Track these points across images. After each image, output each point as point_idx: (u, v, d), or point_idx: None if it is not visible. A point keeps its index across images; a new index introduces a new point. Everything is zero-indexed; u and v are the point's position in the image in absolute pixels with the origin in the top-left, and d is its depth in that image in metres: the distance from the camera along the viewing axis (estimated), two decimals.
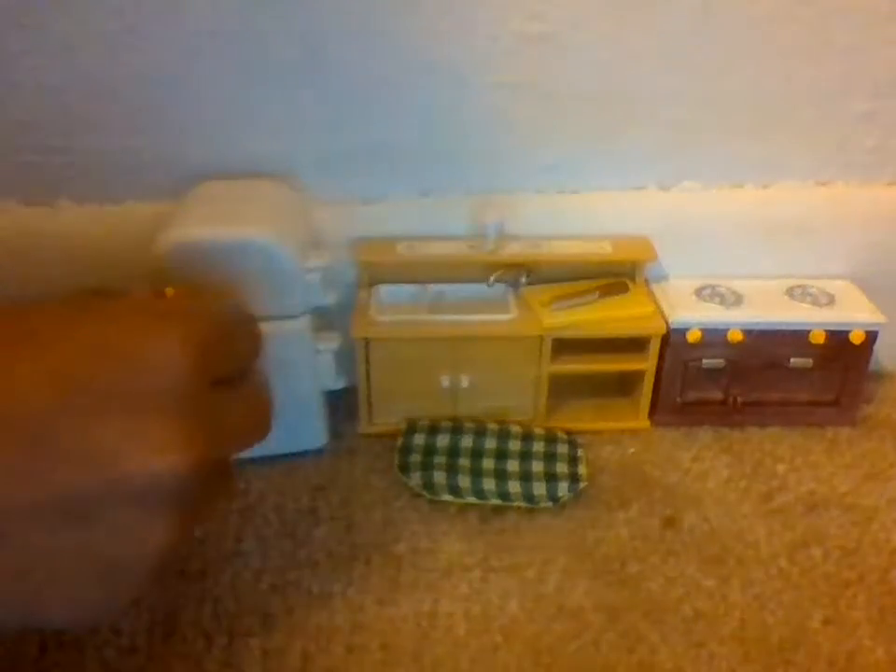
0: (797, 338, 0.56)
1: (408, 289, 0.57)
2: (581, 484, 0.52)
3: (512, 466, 0.53)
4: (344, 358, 0.54)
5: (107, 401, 0.31)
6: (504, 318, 0.55)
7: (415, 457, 0.53)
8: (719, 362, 0.57)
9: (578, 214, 0.58)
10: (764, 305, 0.57)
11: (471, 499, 0.51)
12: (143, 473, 0.31)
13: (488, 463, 0.53)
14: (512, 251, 0.57)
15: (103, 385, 0.31)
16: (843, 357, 0.57)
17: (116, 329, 0.34)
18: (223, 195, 0.53)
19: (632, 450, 0.57)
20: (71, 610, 0.32)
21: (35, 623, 0.33)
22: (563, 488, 0.51)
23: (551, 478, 0.52)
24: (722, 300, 0.57)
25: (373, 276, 0.57)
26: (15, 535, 0.30)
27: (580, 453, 0.55)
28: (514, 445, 0.55)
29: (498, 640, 0.43)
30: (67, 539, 0.31)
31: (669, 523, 0.51)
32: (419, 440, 0.55)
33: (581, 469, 0.53)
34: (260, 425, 0.38)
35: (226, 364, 0.36)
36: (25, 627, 0.35)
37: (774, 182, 0.59)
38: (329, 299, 0.52)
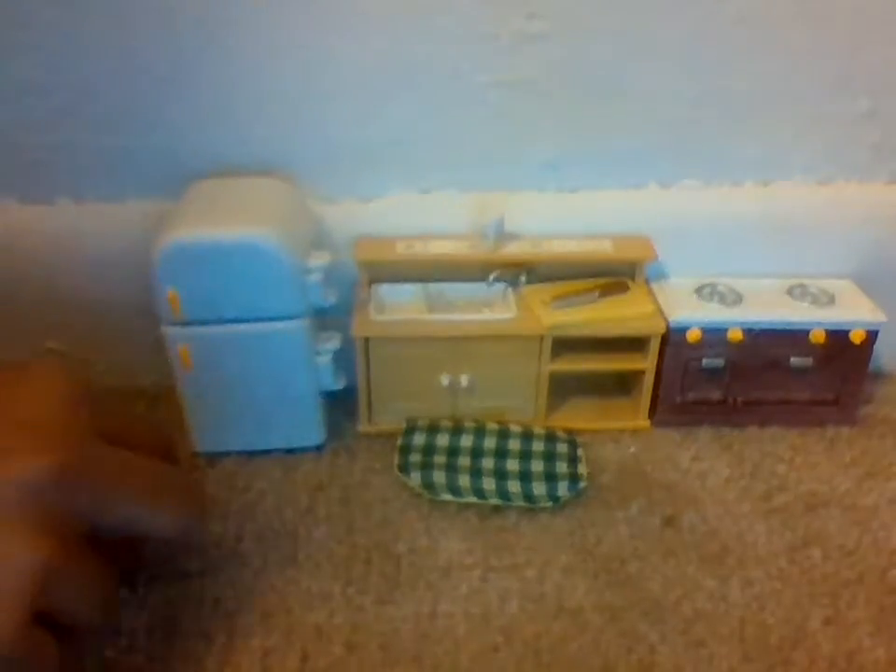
0: (797, 337, 0.56)
1: (408, 288, 0.57)
2: (581, 484, 0.52)
3: (512, 465, 0.53)
4: (344, 358, 0.54)
5: None
6: (504, 317, 0.55)
7: (415, 457, 0.53)
8: (719, 362, 0.57)
9: (578, 213, 0.58)
10: (764, 304, 0.56)
11: (471, 499, 0.51)
12: (7, 472, 0.32)
13: (488, 462, 0.53)
14: (512, 250, 0.57)
15: None
16: (843, 356, 0.57)
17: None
18: (223, 194, 0.53)
19: (632, 449, 0.57)
20: None
21: None
22: (563, 488, 0.51)
23: (550, 477, 0.52)
24: (722, 299, 0.57)
25: (373, 275, 0.57)
26: None
27: (579, 452, 0.55)
28: (514, 445, 0.55)
29: (498, 640, 0.43)
30: None
31: (669, 522, 0.51)
32: (419, 439, 0.55)
33: (581, 469, 0.53)
34: (159, 500, 0.38)
35: (112, 420, 0.38)
36: None
37: (774, 181, 0.58)
38: (329, 298, 0.52)
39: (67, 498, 0.33)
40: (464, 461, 0.53)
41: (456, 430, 0.55)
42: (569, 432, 0.57)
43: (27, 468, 0.32)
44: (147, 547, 0.46)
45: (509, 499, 0.51)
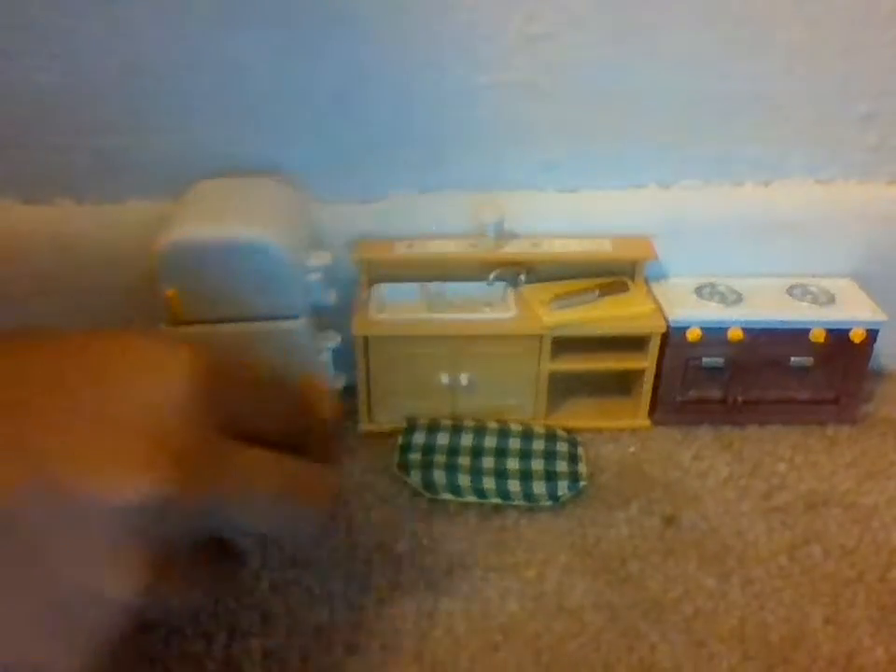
0: (797, 336, 0.56)
1: (408, 288, 0.57)
2: (581, 483, 0.52)
3: (512, 464, 0.53)
4: (344, 357, 0.54)
5: (87, 405, 0.28)
6: (504, 317, 0.55)
7: (415, 456, 0.53)
8: (719, 361, 0.57)
9: (578, 212, 0.58)
10: (765, 304, 0.56)
11: (471, 498, 0.51)
12: (93, 487, 0.26)
13: (488, 462, 0.53)
14: (512, 249, 0.57)
15: (86, 388, 0.28)
16: (843, 355, 0.57)
17: (119, 341, 0.31)
18: (223, 194, 0.53)
19: (632, 449, 0.57)
20: (15, 663, 0.27)
21: None
22: (563, 487, 0.51)
23: (550, 476, 0.52)
24: (722, 298, 0.57)
25: (373, 275, 0.57)
26: None
27: (579, 451, 0.55)
28: (514, 444, 0.55)
29: (498, 640, 0.43)
30: (9, 554, 0.26)
31: (669, 521, 0.51)
32: (419, 438, 0.55)
33: (581, 468, 0.53)
34: (284, 504, 0.32)
35: (237, 413, 0.32)
36: None
37: (774, 180, 0.58)
38: (329, 298, 0.52)
39: (174, 521, 0.28)
40: (464, 460, 0.53)
41: (456, 429, 0.56)
42: (569, 431, 0.57)
43: (130, 489, 0.26)
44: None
45: (509, 499, 0.51)
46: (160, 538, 0.28)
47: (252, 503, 0.31)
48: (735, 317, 0.55)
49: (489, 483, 0.51)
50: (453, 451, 0.54)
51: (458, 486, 0.51)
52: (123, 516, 0.26)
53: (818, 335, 0.55)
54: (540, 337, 0.55)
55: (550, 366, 0.56)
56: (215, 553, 0.33)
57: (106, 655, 0.28)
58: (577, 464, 0.54)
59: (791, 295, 0.58)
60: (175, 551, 0.29)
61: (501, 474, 0.52)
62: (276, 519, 0.33)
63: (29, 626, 0.27)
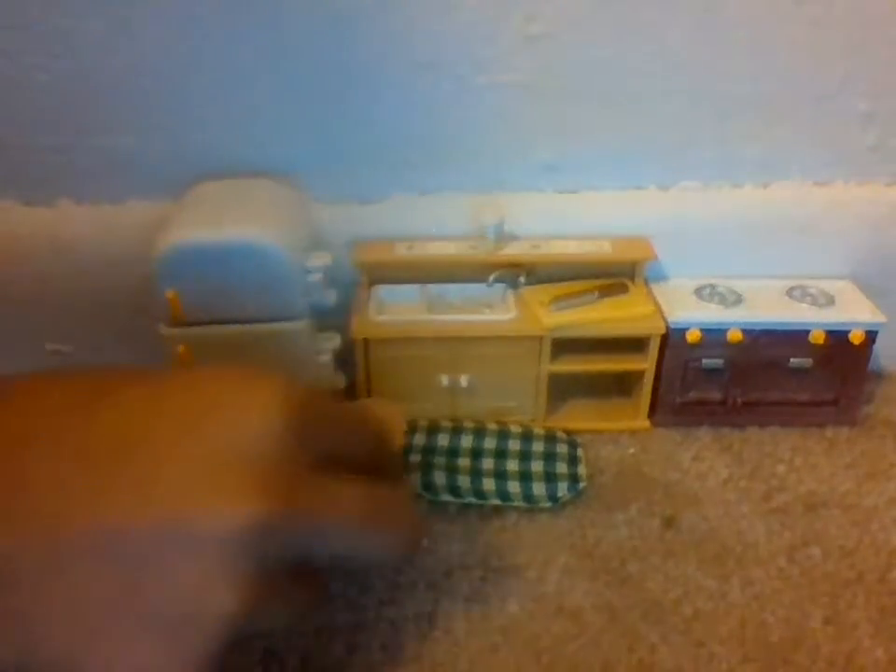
0: (797, 338, 0.56)
1: (407, 289, 0.57)
2: (581, 484, 0.52)
3: (512, 466, 0.53)
4: (344, 359, 0.54)
5: (190, 441, 0.30)
6: (504, 318, 0.55)
7: (415, 457, 0.53)
8: (718, 362, 0.57)
9: (577, 214, 0.58)
10: (764, 305, 0.57)
11: (471, 499, 0.51)
12: (204, 517, 0.28)
13: (488, 463, 0.53)
14: (512, 251, 0.57)
15: (188, 425, 0.31)
16: (842, 356, 0.57)
17: (213, 378, 0.34)
18: (223, 195, 0.53)
19: (631, 450, 0.57)
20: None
21: None
22: (562, 488, 0.51)
23: (550, 478, 0.52)
24: (722, 300, 0.57)
25: (373, 276, 0.57)
26: (67, 569, 0.28)
27: (579, 452, 0.55)
28: (514, 445, 0.55)
29: (498, 640, 0.43)
30: (118, 583, 0.28)
31: (669, 523, 0.50)
32: (418, 440, 0.55)
33: (581, 469, 0.53)
34: (377, 530, 0.34)
35: (327, 443, 0.34)
36: None
37: (773, 182, 0.59)
38: (329, 299, 0.52)
39: (274, 542, 0.30)
40: (464, 462, 0.53)
41: (456, 431, 0.55)
42: (569, 432, 0.57)
43: (232, 515, 0.28)
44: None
45: (509, 500, 0.51)
46: (260, 562, 0.29)
47: (346, 529, 0.33)
48: (735, 319, 0.55)
49: (489, 484, 0.51)
50: (452, 452, 0.54)
51: (458, 488, 0.51)
52: (229, 542, 0.28)
53: (817, 337, 0.55)
54: (540, 338, 0.55)
55: (549, 367, 0.56)
56: (306, 581, 0.35)
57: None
58: (577, 465, 0.54)
59: (790, 296, 0.58)
60: (273, 575, 0.31)
61: (501, 475, 0.52)
62: (368, 544, 0.34)
63: (140, 641, 0.29)
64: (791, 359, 0.57)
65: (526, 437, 0.55)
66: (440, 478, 0.52)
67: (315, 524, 0.32)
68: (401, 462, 0.37)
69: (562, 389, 0.59)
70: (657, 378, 0.57)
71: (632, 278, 0.58)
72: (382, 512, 0.35)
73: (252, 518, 0.28)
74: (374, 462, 0.37)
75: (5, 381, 0.32)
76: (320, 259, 0.51)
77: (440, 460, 0.53)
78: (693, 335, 0.55)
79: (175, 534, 0.28)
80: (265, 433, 0.31)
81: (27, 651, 0.29)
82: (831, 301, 0.57)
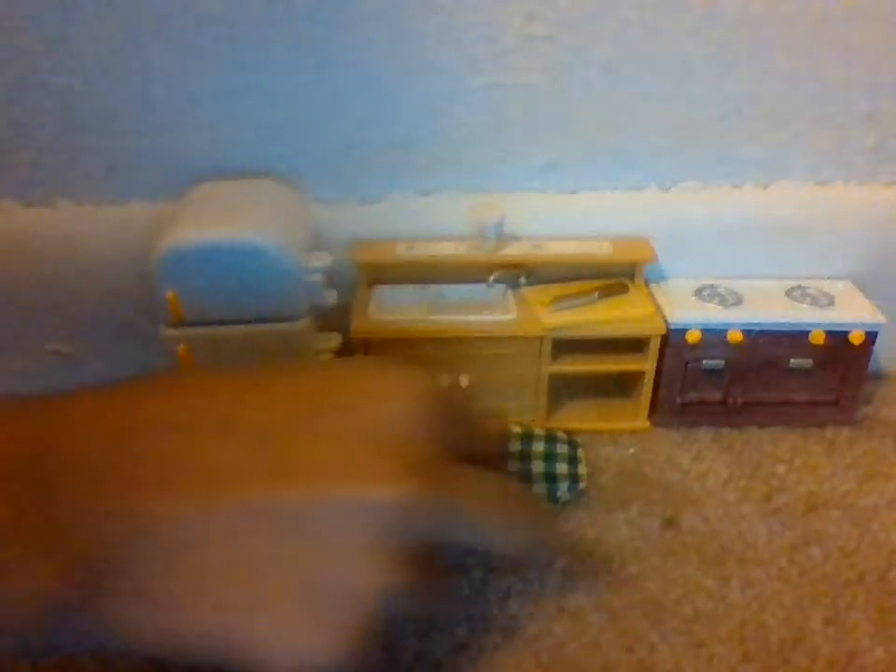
0: (797, 338, 0.56)
1: (407, 290, 0.57)
2: (581, 485, 0.52)
3: (512, 466, 0.53)
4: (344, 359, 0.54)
5: (343, 423, 0.32)
6: (504, 319, 0.55)
7: None
8: (718, 363, 0.57)
9: (577, 214, 0.58)
10: (764, 306, 0.57)
11: None
12: (360, 491, 0.30)
13: None
14: (512, 251, 0.57)
15: (340, 409, 0.33)
16: (842, 357, 0.57)
17: (358, 368, 0.37)
18: (223, 196, 0.53)
19: (632, 450, 0.57)
20: (282, 651, 0.29)
21: (236, 666, 0.29)
22: (562, 489, 0.51)
23: (550, 478, 0.52)
24: (722, 300, 0.57)
25: (373, 277, 0.57)
26: (240, 533, 0.29)
27: (579, 453, 0.55)
28: (514, 446, 0.55)
29: (498, 640, 0.43)
30: (281, 553, 0.29)
31: (669, 523, 0.51)
32: None
33: (581, 470, 0.53)
34: (512, 519, 0.36)
35: (458, 434, 0.35)
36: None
37: (773, 182, 0.59)
38: (329, 299, 0.52)
39: (418, 522, 0.31)
40: None
41: None
42: (569, 433, 0.57)
43: (384, 492, 0.30)
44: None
45: None
46: (407, 540, 0.31)
47: (484, 515, 0.34)
48: (735, 319, 0.55)
49: None
50: None
51: None
52: (382, 516, 0.30)
53: (817, 337, 0.55)
54: (540, 339, 0.55)
55: (550, 368, 0.56)
56: (440, 569, 0.35)
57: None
58: (577, 466, 0.53)
59: (790, 297, 0.58)
60: (416, 557, 0.31)
61: None
62: (504, 534, 0.36)
63: (299, 614, 0.29)
64: (791, 360, 0.57)
65: (526, 437, 0.55)
66: None
67: (456, 506, 0.33)
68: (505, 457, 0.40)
69: (562, 390, 0.59)
70: (657, 378, 0.57)
71: (632, 278, 0.58)
72: (516, 503, 0.37)
73: (403, 494, 0.30)
74: (491, 458, 0.39)
75: (166, 376, 0.36)
76: (320, 260, 0.51)
77: None
78: (693, 335, 0.55)
79: (334, 505, 0.30)
80: (412, 418, 0.33)
81: (186, 629, 0.29)
82: (831, 301, 0.57)
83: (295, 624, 0.30)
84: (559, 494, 0.51)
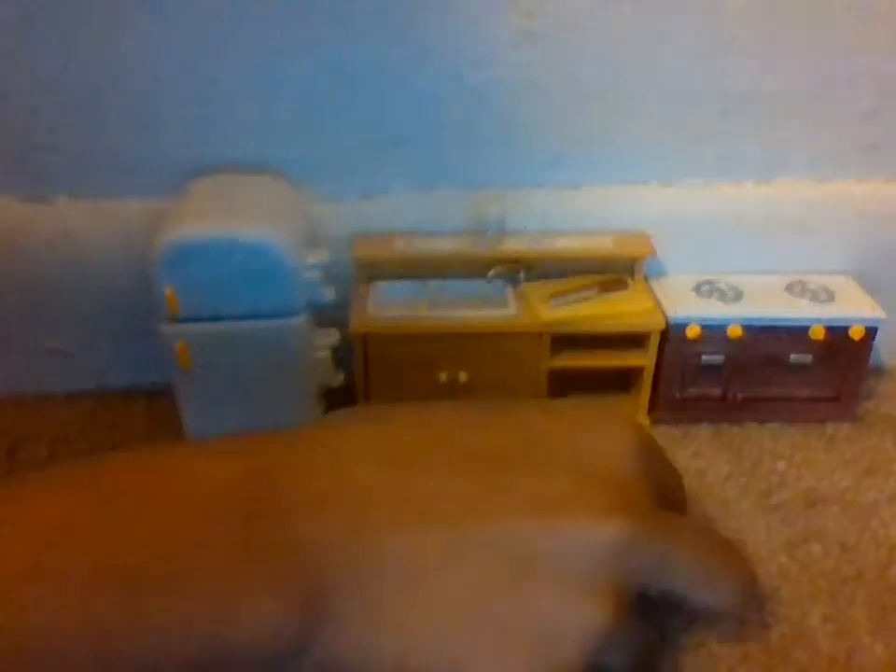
0: (797, 334, 0.56)
1: (406, 285, 0.57)
2: None
3: None
4: (343, 355, 0.54)
5: (566, 459, 0.33)
6: (503, 314, 0.55)
7: None
8: (718, 358, 0.56)
9: (577, 210, 0.58)
10: (764, 301, 0.56)
11: None
12: (582, 527, 0.30)
13: None
14: (511, 247, 0.57)
15: (563, 446, 0.34)
16: (843, 353, 0.56)
17: (574, 406, 0.43)
18: (221, 192, 0.53)
19: None
20: None
21: None
22: None
23: None
24: (722, 295, 0.57)
25: (372, 272, 0.57)
26: (468, 562, 0.29)
27: None
28: None
29: None
30: (504, 585, 0.30)
31: None
32: None
33: None
34: (719, 568, 0.35)
35: (660, 479, 0.36)
36: None
37: (773, 179, 0.58)
38: (328, 295, 0.52)
39: (633, 562, 0.31)
40: None
41: None
42: None
43: (604, 528, 0.30)
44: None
45: None
46: (621, 581, 0.31)
47: (691, 561, 0.34)
48: (735, 315, 0.55)
49: None
50: None
51: None
52: (599, 553, 0.30)
53: (817, 332, 0.55)
54: (540, 334, 0.55)
55: (549, 363, 0.56)
56: (647, 618, 0.34)
57: None
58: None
59: (790, 292, 0.57)
60: (630, 600, 0.31)
61: None
62: (710, 582, 0.35)
63: (515, 649, 0.29)
64: (791, 355, 0.57)
65: None
66: None
67: (669, 549, 0.33)
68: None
69: (561, 385, 0.58)
70: (657, 374, 0.57)
71: (632, 274, 0.58)
72: (726, 554, 0.36)
73: (621, 532, 0.30)
74: (679, 508, 0.39)
75: (391, 409, 0.37)
76: (319, 256, 0.50)
77: None
78: (692, 331, 0.55)
79: (557, 538, 0.30)
80: (627, 459, 0.34)
81: (415, 656, 0.29)
82: (831, 296, 0.57)
83: (510, 658, 0.29)
84: None
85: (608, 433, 0.35)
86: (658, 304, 0.56)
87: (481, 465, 0.32)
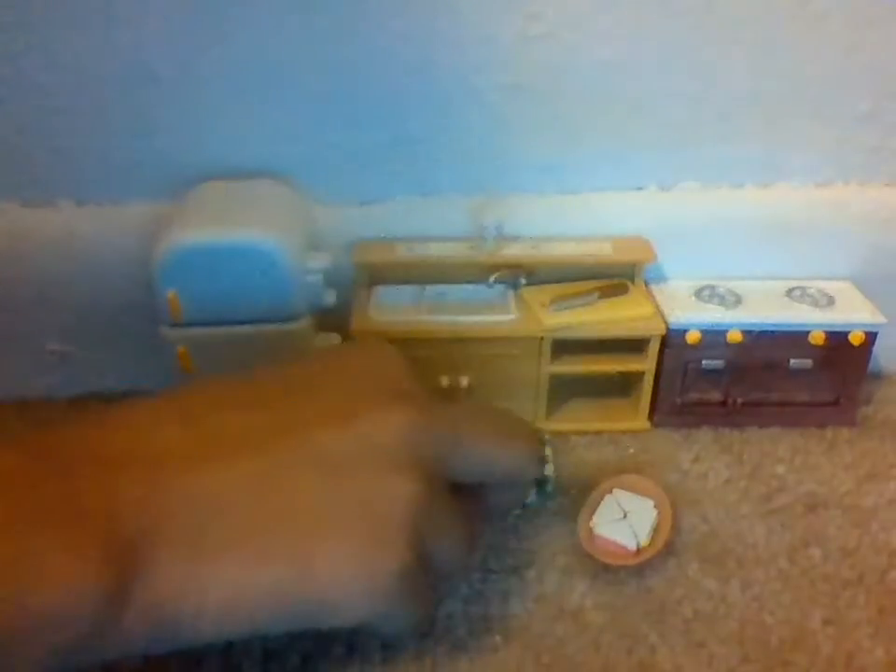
0: (797, 339, 0.56)
1: (407, 290, 0.57)
2: (549, 487, 0.45)
3: None
4: None
5: (348, 381, 0.39)
6: (504, 319, 0.55)
7: None
8: (718, 363, 0.57)
9: (577, 214, 0.58)
10: (764, 306, 0.57)
11: None
12: (374, 423, 0.36)
13: None
14: (512, 252, 0.57)
15: (343, 373, 0.41)
16: (842, 357, 0.57)
17: (339, 346, 0.52)
18: (223, 196, 0.53)
19: (631, 450, 0.57)
20: (343, 581, 0.33)
21: (312, 611, 0.34)
22: (530, 494, 0.46)
23: None
24: (722, 301, 0.57)
25: (373, 277, 0.57)
26: (296, 477, 0.34)
27: (547, 451, 0.46)
28: None
29: (498, 641, 0.43)
30: (327, 485, 0.34)
31: None
32: None
33: (549, 470, 0.45)
34: (507, 439, 0.42)
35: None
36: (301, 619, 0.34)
37: (773, 183, 0.59)
38: (329, 300, 0.52)
39: (433, 443, 0.37)
40: None
41: None
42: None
43: (401, 419, 0.36)
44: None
45: None
46: (417, 457, 0.36)
47: (480, 437, 0.40)
48: (735, 320, 0.55)
49: None
50: None
51: None
52: (391, 438, 0.36)
53: (817, 337, 0.55)
54: (540, 339, 0.55)
55: (549, 368, 0.56)
56: (464, 509, 0.40)
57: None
58: (542, 467, 0.45)
59: (790, 297, 0.58)
60: (432, 477, 0.37)
61: None
62: (502, 455, 0.41)
63: (358, 529, 0.34)
64: (791, 360, 0.57)
65: None
66: None
67: (452, 424, 0.39)
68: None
69: (562, 390, 0.59)
70: (657, 379, 0.57)
71: (632, 279, 0.58)
72: (508, 425, 0.43)
73: (408, 416, 0.36)
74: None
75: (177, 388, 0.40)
76: (320, 260, 0.51)
77: None
78: (692, 336, 0.55)
79: (355, 436, 0.35)
80: (392, 368, 0.42)
81: (258, 575, 0.33)
82: (831, 301, 0.57)
83: (356, 538, 0.34)
84: (528, 499, 0.46)
85: (372, 354, 0.43)
86: (658, 309, 0.56)
87: (277, 404, 0.37)
